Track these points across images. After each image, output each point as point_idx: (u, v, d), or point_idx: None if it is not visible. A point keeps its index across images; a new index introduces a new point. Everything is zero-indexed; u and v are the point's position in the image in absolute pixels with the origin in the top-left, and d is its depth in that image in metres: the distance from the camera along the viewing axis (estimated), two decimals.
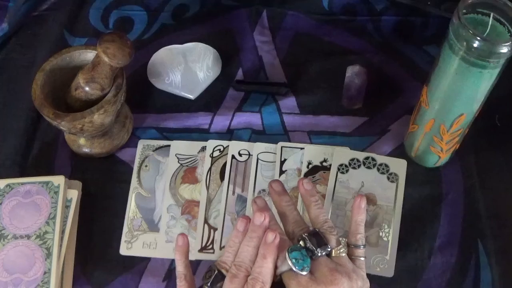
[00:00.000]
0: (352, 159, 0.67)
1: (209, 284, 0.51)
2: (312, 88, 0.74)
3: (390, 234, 0.63)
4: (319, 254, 0.51)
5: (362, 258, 0.55)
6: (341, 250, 0.53)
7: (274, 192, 0.58)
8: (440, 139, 0.61)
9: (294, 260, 0.50)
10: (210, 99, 0.74)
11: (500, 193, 0.66)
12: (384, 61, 0.76)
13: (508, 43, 0.49)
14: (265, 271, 0.50)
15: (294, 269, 0.49)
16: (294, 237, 0.54)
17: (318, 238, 0.52)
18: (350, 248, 0.55)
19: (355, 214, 0.57)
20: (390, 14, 0.81)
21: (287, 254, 0.50)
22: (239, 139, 0.70)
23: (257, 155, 0.68)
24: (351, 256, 0.54)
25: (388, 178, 0.66)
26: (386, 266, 0.62)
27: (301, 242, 0.52)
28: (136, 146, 0.70)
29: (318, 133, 0.71)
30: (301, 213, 0.64)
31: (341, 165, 0.67)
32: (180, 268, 0.54)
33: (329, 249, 0.52)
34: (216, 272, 0.52)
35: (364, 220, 0.57)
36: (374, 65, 0.75)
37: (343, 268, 0.51)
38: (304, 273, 0.49)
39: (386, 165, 0.67)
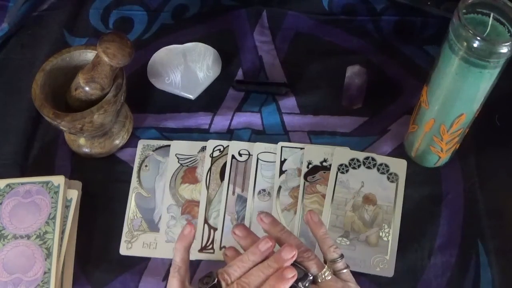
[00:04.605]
0: (352, 159, 0.67)
1: None
2: (312, 88, 0.74)
3: (390, 234, 0.63)
4: None
5: (345, 270, 0.51)
6: (325, 274, 0.50)
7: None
8: (440, 139, 0.61)
9: None
10: (210, 99, 0.74)
11: (500, 193, 0.66)
12: (384, 61, 0.76)
13: (508, 43, 0.49)
14: None
15: None
16: None
17: (297, 270, 0.48)
18: (330, 264, 0.52)
19: (315, 229, 0.54)
20: (390, 14, 0.81)
21: None
22: (239, 139, 0.70)
23: (257, 155, 0.68)
24: (334, 272, 0.51)
25: (388, 178, 0.66)
26: (386, 266, 0.62)
27: None
28: (136, 146, 0.70)
29: (318, 133, 0.71)
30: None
31: (341, 165, 0.67)
32: (177, 259, 0.52)
33: (311, 278, 0.49)
34: (215, 281, 0.49)
35: (326, 232, 0.54)
36: (374, 65, 0.75)
37: None
38: None
39: (386, 165, 0.67)
